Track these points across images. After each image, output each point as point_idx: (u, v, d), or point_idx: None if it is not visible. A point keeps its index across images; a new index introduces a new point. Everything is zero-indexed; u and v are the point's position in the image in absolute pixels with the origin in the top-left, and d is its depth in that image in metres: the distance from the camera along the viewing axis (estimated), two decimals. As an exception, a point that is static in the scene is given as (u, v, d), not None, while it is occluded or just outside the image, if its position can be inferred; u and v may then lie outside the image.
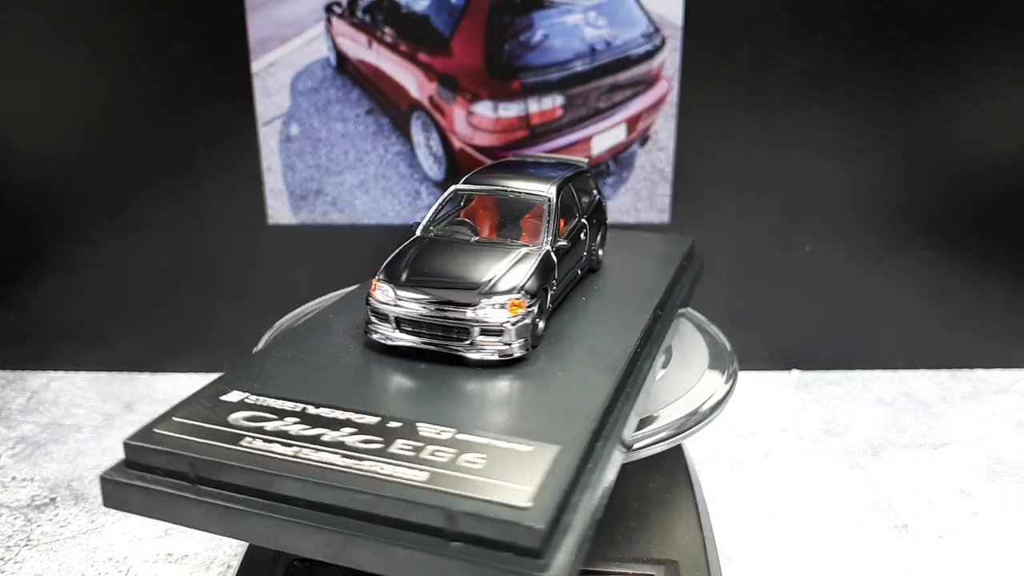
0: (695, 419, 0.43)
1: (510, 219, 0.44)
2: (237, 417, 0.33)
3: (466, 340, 0.38)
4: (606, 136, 0.71)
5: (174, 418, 0.33)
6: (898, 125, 0.71)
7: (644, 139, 0.72)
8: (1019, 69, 0.69)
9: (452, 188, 0.45)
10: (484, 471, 0.30)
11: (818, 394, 0.74)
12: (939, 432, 0.68)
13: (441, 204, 0.45)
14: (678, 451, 0.52)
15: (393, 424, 0.33)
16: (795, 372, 0.78)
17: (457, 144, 0.72)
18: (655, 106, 0.71)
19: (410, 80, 0.70)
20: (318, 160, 0.72)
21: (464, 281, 0.39)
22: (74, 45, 0.70)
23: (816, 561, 0.52)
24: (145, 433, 0.32)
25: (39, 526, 0.56)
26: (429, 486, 0.29)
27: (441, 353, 0.38)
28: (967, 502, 0.58)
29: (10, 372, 0.79)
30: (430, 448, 0.31)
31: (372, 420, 0.33)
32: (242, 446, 0.31)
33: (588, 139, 0.71)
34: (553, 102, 0.70)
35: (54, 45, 0.70)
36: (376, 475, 0.29)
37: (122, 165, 0.73)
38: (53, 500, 0.59)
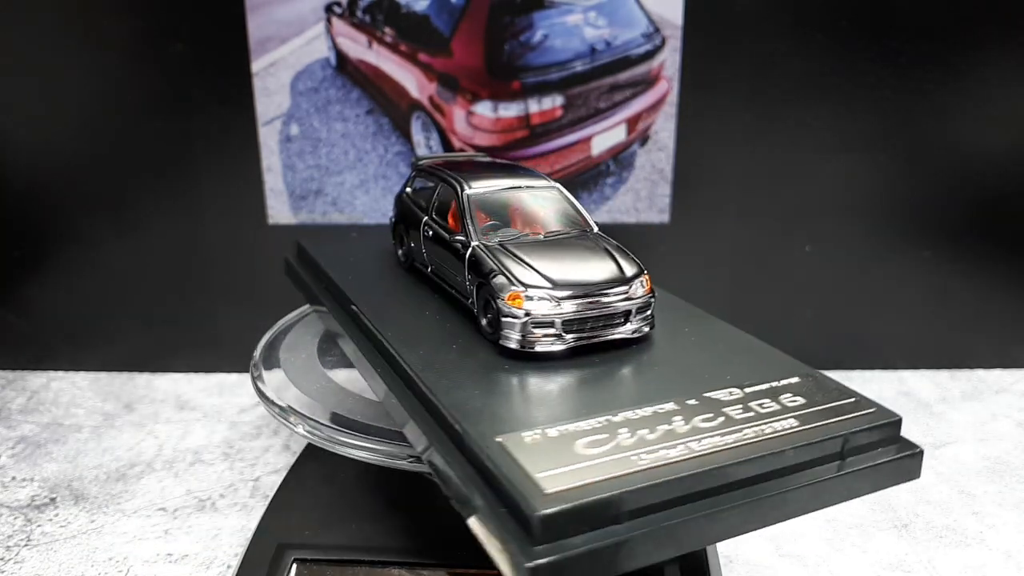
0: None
1: (532, 211, 0.45)
2: (582, 448, 0.31)
3: (626, 323, 0.40)
4: (606, 136, 0.71)
5: (545, 476, 0.29)
6: (898, 125, 0.71)
7: (644, 139, 0.72)
8: (1019, 69, 0.69)
9: (467, 194, 0.45)
10: (810, 401, 0.35)
11: (818, 394, 0.74)
12: (939, 432, 0.68)
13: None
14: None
15: (677, 405, 0.35)
16: (795, 372, 0.78)
17: (457, 144, 0.72)
18: (655, 106, 0.71)
19: (410, 80, 0.70)
20: (318, 160, 0.72)
21: (600, 271, 0.41)
22: (74, 45, 0.70)
23: (816, 561, 0.52)
24: (552, 499, 0.28)
25: (39, 526, 0.56)
26: (811, 425, 0.33)
27: (594, 344, 0.40)
28: (967, 502, 0.58)
29: (10, 372, 0.79)
30: (752, 404, 0.35)
31: (659, 408, 0.34)
32: (640, 465, 0.30)
33: (588, 139, 0.71)
34: (553, 102, 0.70)
35: (54, 45, 0.70)
36: (766, 436, 0.32)
37: (122, 165, 0.73)
38: (53, 500, 0.59)
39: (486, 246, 0.42)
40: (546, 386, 0.37)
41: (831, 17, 0.68)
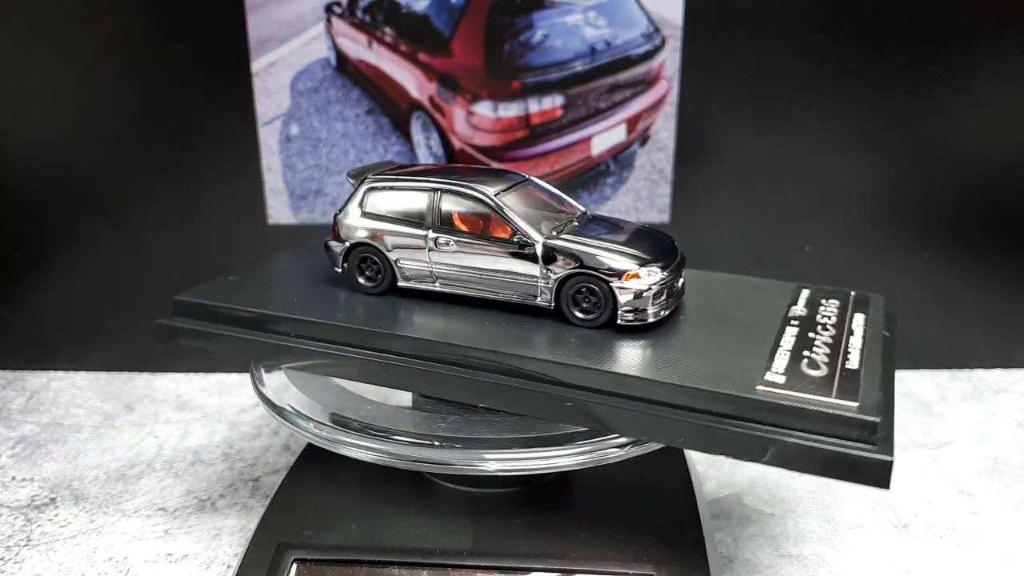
0: None
1: (542, 203, 0.47)
2: (806, 369, 0.40)
3: (682, 293, 0.46)
4: (606, 136, 0.71)
5: None
6: (898, 125, 0.71)
7: (644, 139, 0.72)
8: (1019, 69, 0.69)
9: (499, 198, 0.45)
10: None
11: (818, 394, 0.74)
12: (939, 432, 0.68)
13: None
14: (678, 451, 0.52)
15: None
16: (795, 372, 0.78)
17: (457, 144, 0.72)
18: (655, 106, 0.71)
19: (410, 80, 0.70)
20: (318, 160, 0.72)
21: (657, 243, 0.45)
22: (74, 45, 0.70)
23: (816, 561, 0.52)
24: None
25: (39, 526, 0.56)
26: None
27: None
28: (967, 502, 0.58)
29: (10, 372, 0.79)
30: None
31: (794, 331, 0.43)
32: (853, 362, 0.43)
33: (588, 139, 0.71)
34: (553, 102, 0.70)
35: (54, 45, 0.70)
36: None
37: (122, 165, 0.73)
38: (53, 500, 0.59)
39: (552, 240, 0.43)
40: (700, 340, 0.42)
41: (831, 17, 0.68)
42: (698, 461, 0.62)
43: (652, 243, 0.45)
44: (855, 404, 0.37)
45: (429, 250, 0.46)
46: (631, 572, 0.42)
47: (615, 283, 0.42)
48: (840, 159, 0.72)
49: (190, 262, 0.75)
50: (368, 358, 0.43)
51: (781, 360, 0.40)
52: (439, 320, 0.45)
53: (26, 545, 0.54)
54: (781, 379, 0.38)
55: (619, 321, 0.42)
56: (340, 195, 0.73)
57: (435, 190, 0.46)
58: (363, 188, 0.48)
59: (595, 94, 0.70)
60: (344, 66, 0.71)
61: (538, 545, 0.44)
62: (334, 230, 0.49)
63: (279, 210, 0.74)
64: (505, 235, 0.44)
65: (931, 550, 0.53)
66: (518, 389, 0.40)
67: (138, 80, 0.70)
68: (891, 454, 0.36)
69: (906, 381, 0.76)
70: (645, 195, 0.73)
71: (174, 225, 0.74)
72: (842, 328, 0.45)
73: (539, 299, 0.44)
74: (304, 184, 0.73)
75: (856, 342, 0.44)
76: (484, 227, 0.45)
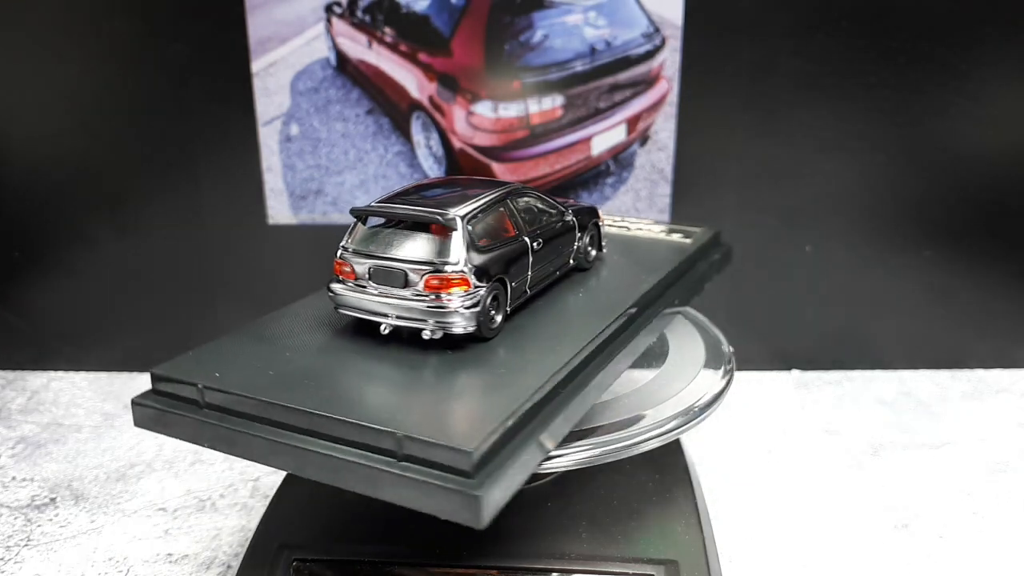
0: (688, 417, 0.43)
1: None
2: None
3: None
4: (606, 136, 0.71)
5: None
6: (898, 125, 0.71)
7: (644, 139, 0.72)
8: (1019, 69, 0.69)
9: (519, 195, 0.44)
10: None
11: (818, 394, 0.74)
12: (939, 432, 0.68)
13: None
14: (678, 450, 0.52)
15: None
16: (795, 372, 0.78)
17: (457, 144, 0.72)
18: (655, 106, 0.71)
19: (410, 80, 0.70)
20: (318, 160, 0.72)
21: None
22: (74, 45, 0.70)
23: (816, 561, 0.52)
24: None
25: (39, 526, 0.56)
26: None
27: None
28: (967, 502, 0.58)
29: (10, 372, 0.79)
30: None
31: None
32: None
33: (588, 139, 0.71)
34: (553, 102, 0.70)
35: (54, 45, 0.70)
36: None
37: (122, 165, 0.73)
38: (53, 500, 0.59)
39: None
40: None
41: (831, 17, 0.68)
42: (698, 462, 0.62)
43: None
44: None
45: (534, 251, 0.44)
46: (631, 572, 0.42)
47: (598, 220, 0.50)
48: (840, 159, 0.72)
49: (190, 262, 0.75)
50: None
51: None
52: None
53: (26, 545, 0.54)
54: None
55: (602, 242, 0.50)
56: (340, 195, 0.73)
57: (491, 206, 0.43)
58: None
59: (595, 94, 0.70)
60: (344, 66, 0.71)
61: (538, 545, 0.44)
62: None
63: (279, 210, 0.74)
64: (556, 210, 0.47)
65: (931, 550, 0.53)
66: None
67: (138, 80, 0.70)
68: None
69: (906, 381, 0.76)
70: (645, 195, 0.73)
71: (174, 225, 0.74)
72: None
73: (576, 252, 0.48)
74: (304, 184, 0.73)
75: None
76: (546, 213, 0.48)
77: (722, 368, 0.48)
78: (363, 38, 0.70)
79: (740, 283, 0.75)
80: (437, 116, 0.71)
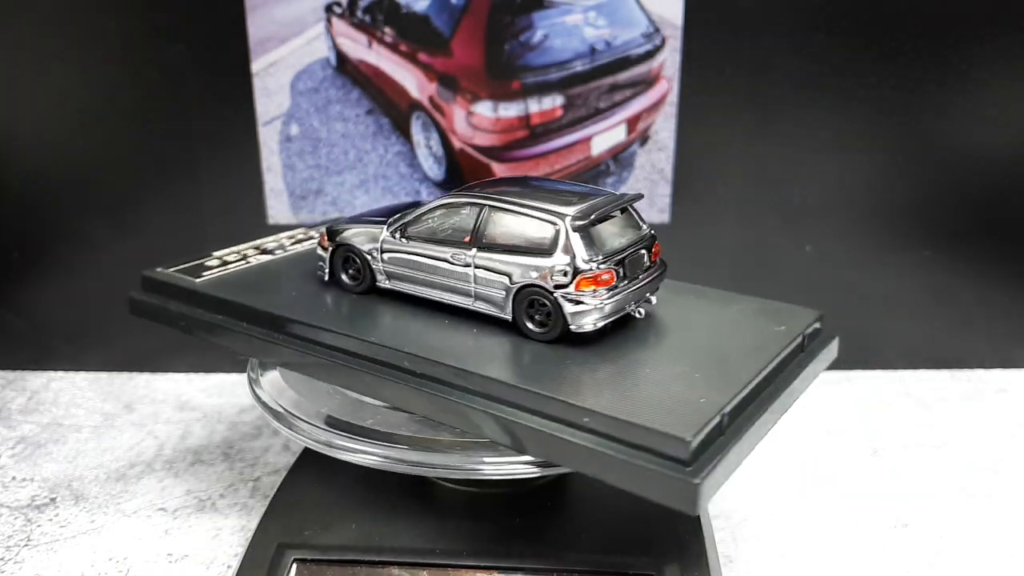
0: None
1: None
2: None
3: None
4: (606, 136, 0.71)
5: None
6: (898, 125, 0.71)
7: (644, 139, 0.72)
8: (1019, 69, 0.69)
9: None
10: None
11: (818, 394, 0.74)
12: (939, 432, 0.68)
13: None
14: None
15: None
16: (795, 372, 0.78)
17: (457, 144, 0.72)
18: (655, 106, 0.71)
19: (410, 80, 0.70)
20: (318, 160, 0.72)
21: None
22: (74, 45, 0.70)
23: (816, 561, 0.52)
24: None
25: (39, 526, 0.56)
26: None
27: None
28: (967, 502, 0.58)
29: (10, 372, 0.79)
30: None
31: None
32: None
33: (588, 139, 0.71)
34: (553, 102, 0.70)
35: (54, 45, 0.70)
36: None
37: (122, 165, 0.73)
38: (53, 500, 0.59)
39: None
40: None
41: (831, 17, 0.68)
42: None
43: None
44: None
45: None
46: (631, 572, 0.42)
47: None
48: (840, 159, 0.72)
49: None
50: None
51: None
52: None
53: (26, 545, 0.54)
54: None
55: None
56: (340, 195, 0.73)
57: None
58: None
59: (595, 94, 0.70)
60: (344, 66, 0.71)
61: (538, 545, 0.44)
62: None
63: (279, 210, 0.74)
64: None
65: (931, 550, 0.53)
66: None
67: (138, 80, 0.70)
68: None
69: (905, 381, 0.76)
70: (645, 195, 0.73)
71: (174, 225, 0.74)
72: None
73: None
74: (304, 184, 0.73)
75: None
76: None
77: None
78: (363, 38, 0.70)
79: (740, 283, 0.75)
80: (437, 116, 0.71)
